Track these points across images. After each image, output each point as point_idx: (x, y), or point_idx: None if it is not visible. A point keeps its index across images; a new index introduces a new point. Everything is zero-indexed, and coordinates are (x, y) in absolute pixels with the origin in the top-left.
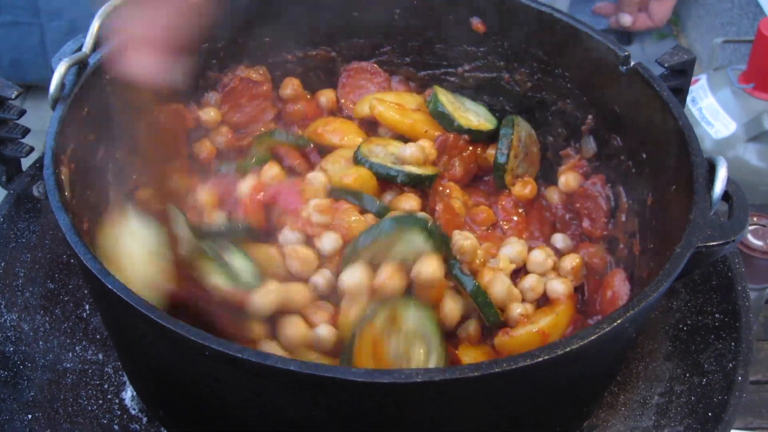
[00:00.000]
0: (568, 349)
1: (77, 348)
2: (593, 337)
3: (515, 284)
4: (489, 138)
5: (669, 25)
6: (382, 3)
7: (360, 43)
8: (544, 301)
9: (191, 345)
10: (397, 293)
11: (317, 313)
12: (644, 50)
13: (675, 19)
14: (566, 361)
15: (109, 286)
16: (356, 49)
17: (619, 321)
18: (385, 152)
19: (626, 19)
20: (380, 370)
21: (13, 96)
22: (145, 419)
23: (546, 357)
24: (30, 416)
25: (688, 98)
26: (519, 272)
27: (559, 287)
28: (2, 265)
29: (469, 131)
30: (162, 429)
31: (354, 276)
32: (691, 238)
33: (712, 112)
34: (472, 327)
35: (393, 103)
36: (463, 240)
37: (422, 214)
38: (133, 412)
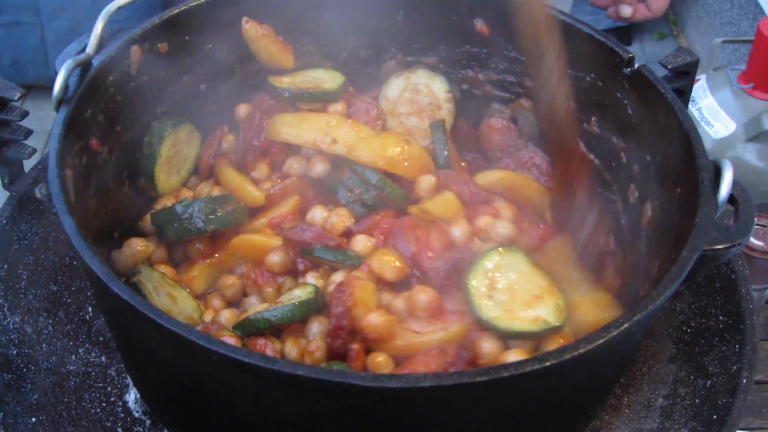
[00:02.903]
0: (576, 353)
1: (80, 350)
2: (601, 341)
3: None
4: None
5: (668, 25)
6: None
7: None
8: None
9: (198, 349)
10: None
11: None
12: (644, 50)
13: (675, 19)
14: (573, 366)
15: (115, 290)
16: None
17: (626, 325)
18: None
19: (626, 10)
20: (388, 375)
21: (16, 98)
22: (148, 422)
23: (553, 361)
24: (34, 419)
25: None
26: None
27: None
28: (5, 267)
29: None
30: None
31: None
32: (697, 241)
33: (712, 112)
34: None
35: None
36: None
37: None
38: (137, 415)
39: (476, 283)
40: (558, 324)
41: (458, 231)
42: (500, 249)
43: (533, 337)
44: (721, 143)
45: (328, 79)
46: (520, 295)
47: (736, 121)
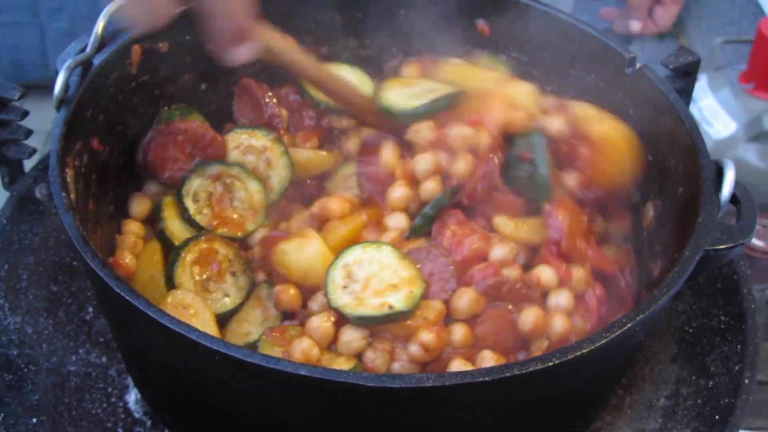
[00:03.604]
0: (579, 353)
1: (81, 351)
2: (603, 341)
3: None
4: None
5: None
6: None
7: None
8: None
9: (199, 349)
10: None
11: None
12: (645, 50)
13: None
14: (576, 365)
15: (116, 289)
16: None
17: (629, 325)
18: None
19: (635, 26)
20: (391, 375)
21: (16, 97)
22: (149, 422)
23: (556, 361)
24: (35, 420)
25: None
26: None
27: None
28: (5, 267)
29: None
30: None
31: None
32: (699, 241)
33: (712, 112)
34: None
35: None
36: None
37: None
38: (137, 416)
39: (335, 274)
40: (404, 309)
41: (499, 252)
42: (365, 244)
43: (379, 322)
44: (722, 143)
45: (358, 84)
46: (375, 285)
47: (736, 121)
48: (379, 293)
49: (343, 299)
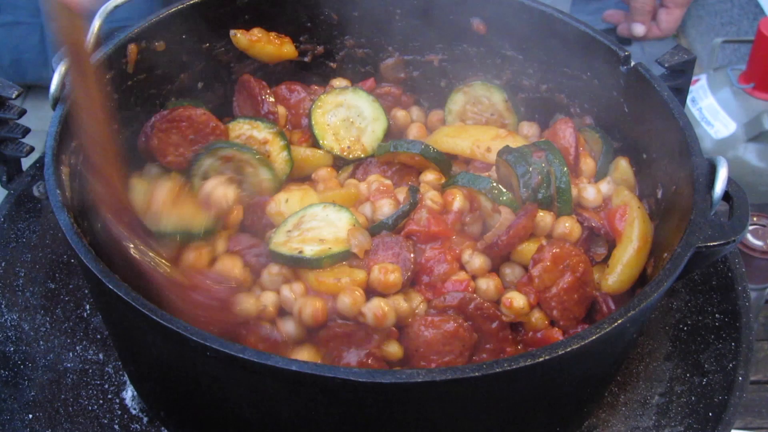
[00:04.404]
0: (569, 349)
1: (78, 348)
2: (594, 337)
3: None
4: None
5: None
6: None
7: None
8: None
9: (192, 345)
10: None
11: None
12: (644, 50)
13: None
14: (567, 362)
15: (110, 287)
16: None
17: (619, 321)
18: None
19: (639, 29)
20: (381, 371)
21: (14, 96)
22: (145, 419)
23: (547, 357)
24: (31, 416)
25: (688, 98)
26: None
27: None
28: (3, 264)
29: None
30: (162, 429)
31: None
32: (691, 238)
33: (712, 112)
34: None
35: None
36: None
37: None
38: (134, 412)
39: (290, 219)
40: (311, 257)
41: (476, 262)
42: (326, 204)
43: (289, 262)
44: (721, 143)
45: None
46: (309, 236)
47: (736, 121)
48: (305, 241)
49: (278, 238)
